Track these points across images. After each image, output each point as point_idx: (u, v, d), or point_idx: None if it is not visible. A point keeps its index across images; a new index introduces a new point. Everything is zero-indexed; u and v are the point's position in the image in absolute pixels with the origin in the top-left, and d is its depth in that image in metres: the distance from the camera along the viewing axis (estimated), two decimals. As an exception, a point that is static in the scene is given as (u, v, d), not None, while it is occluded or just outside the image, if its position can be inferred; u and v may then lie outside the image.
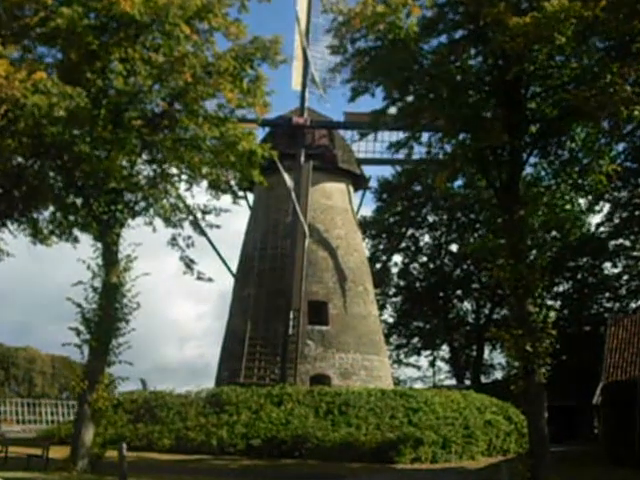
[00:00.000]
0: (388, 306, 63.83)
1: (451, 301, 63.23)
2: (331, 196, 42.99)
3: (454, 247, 61.55)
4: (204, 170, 26.87)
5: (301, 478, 25.59)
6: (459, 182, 56.32)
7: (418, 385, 62.67)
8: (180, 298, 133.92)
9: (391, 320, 63.72)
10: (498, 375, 62.37)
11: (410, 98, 23.92)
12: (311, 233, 40.32)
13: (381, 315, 59.51)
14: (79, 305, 25.06)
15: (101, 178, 24.83)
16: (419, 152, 26.30)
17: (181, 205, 27.92)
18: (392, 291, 63.73)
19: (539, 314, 21.39)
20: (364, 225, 57.49)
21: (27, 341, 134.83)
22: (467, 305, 63.89)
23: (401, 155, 27.80)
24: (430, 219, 60.89)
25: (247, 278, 41.35)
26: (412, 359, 65.71)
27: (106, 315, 25.00)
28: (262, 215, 42.94)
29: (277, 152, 38.73)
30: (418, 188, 58.36)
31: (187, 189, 28.43)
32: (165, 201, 27.14)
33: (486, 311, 61.13)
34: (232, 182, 29.14)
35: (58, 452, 26.29)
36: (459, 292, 62.44)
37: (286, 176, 39.94)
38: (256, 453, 30.77)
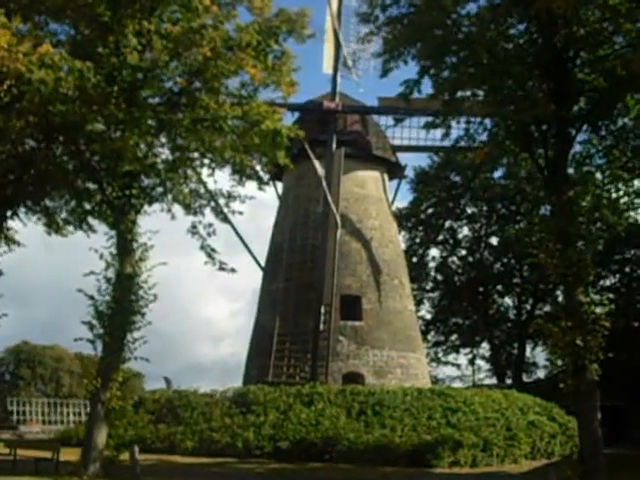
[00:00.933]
0: (425, 302, 62.12)
1: (491, 296, 61.00)
2: (364, 185, 41.35)
3: (494, 240, 59.60)
4: (227, 154, 25.36)
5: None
6: (499, 173, 55.78)
7: (457, 384, 60.74)
8: (213, 296, 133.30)
9: (428, 316, 62.00)
10: (541, 374, 60.27)
11: (446, 73, 22.21)
12: (343, 223, 38.73)
13: (418, 311, 57.90)
14: (92, 297, 23.71)
15: (114, 160, 23.47)
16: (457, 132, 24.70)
17: (202, 190, 26.49)
18: (429, 286, 61.91)
19: (590, 305, 19.58)
20: (400, 217, 55.77)
21: (57, 340, 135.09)
22: (508, 300, 61.70)
23: (438, 137, 26.16)
24: (469, 210, 59.03)
25: (276, 271, 39.84)
26: (451, 357, 63.92)
27: (120, 308, 23.64)
28: (291, 205, 41.44)
29: (307, 138, 38.14)
30: (457, 179, 56.63)
31: (209, 175, 27.09)
32: (185, 186, 25.74)
33: (528, 307, 58.80)
34: (257, 167, 27.59)
35: (72, 454, 24.69)
36: (500, 287, 60.28)
37: (317, 163, 38.37)
38: (284, 456, 29.09)
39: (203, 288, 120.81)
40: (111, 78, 22.78)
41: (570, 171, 21.01)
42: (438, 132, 38.19)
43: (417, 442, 28.48)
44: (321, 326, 36.27)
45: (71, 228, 28.11)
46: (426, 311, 62.06)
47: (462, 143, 22.98)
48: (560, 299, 21.93)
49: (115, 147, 22.63)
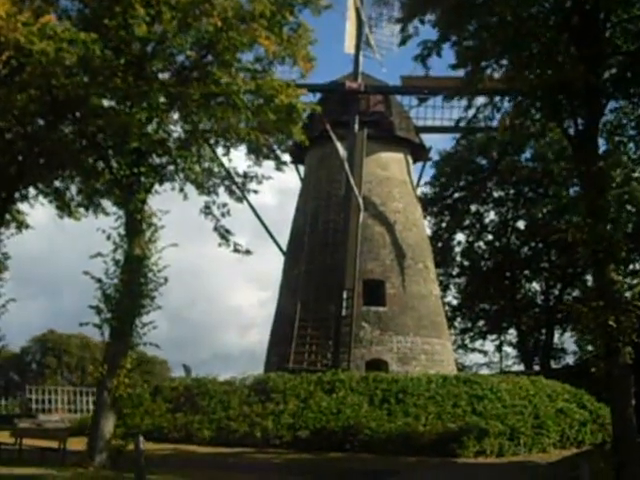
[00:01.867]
0: (451, 287, 60.53)
1: (519, 281, 59.05)
2: (388, 167, 39.89)
3: (521, 224, 57.81)
4: (241, 131, 24.09)
5: (349, 474, 22.56)
6: (526, 155, 54.19)
7: (484, 371, 59.17)
8: (243, 284, 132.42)
9: (455, 302, 60.39)
10: (569, 360, 58.56)
11: (469, 43, 20.64)
12: (366, 206, 37.32)
13: (444, 297, 56.46)
14: (99, 280, 22.46)
15: (121, 137, 22.24)
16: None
17: (215, 169, 25.19)
18: (455, 271, 60.33)
19: (623, 284, 18.07)
20: (425, 201, 54.31)
21: (85, 329, 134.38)
22: (536, 285, 59.85)
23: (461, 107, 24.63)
24: (495, 194, 57.27)
25: (297, 256, 38.52)
26: (477, 344, 62.29)
27: (128, 291, 22.38)
28: (313, 188, 40.08)
29: (329, 120, 37.04)
30: (483, 162, 55.02)
31: (224, 154, 25.87)
32: (197, 165, 24.45)
33: (556, 292, 57.01)
34: (274, 146, 26.31)
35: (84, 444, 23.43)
36: (527, 272, 58.37)
37: (339, 145, 37.03)
38: (303, 445, 27.84)
39: (232, 277, 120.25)
40: (118, 51, 21.65)
41: (601, 142, 19.44)
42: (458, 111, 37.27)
43: (442, 431, 27.09)
44: (343, 311, 34.98)
45: (83, 210, 27.03)
46: (452, 297, 60.56)
47: (486, 112, 21.39)
48: (590, 281, 20.09)
49: (121, 122, 21.43)
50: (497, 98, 20.75)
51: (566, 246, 51.17)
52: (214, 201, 24.97)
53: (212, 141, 25.18)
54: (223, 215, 24.94)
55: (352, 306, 34.94)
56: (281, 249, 40.45)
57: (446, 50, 21.07)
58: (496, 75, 20.55)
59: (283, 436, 28.56)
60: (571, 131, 19.10)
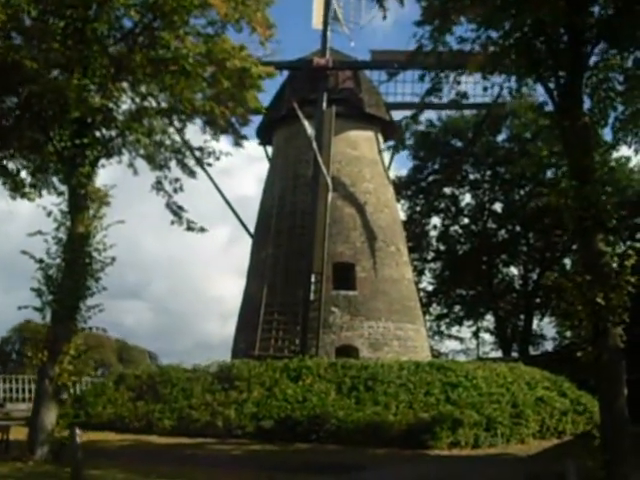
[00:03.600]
0: (427, 272, 58.78)
1: (496, 266, 57.41)
2: (358, 146, 37.88)
3: (498, 206, 56.07)
4: (196, 102, 22.17)
5: (312, 468, 20.51)
6: (502, 136, 52.37)
7: (461, 358, 57.48)
8: (224, 274, 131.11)
9: (430, 288, 58.62)
10: (549, 347, 57.01)
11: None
12: (335, 187, 35.39)
13: (419, 282, 54.90)
14: (40, 260, 20.49)
15: (61, 106, 20.20)
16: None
17: (167, 142, 23.19)
18: (431, 256, 58.55)
19: (613, 255, 15.99)
20: (399, 185, 52.50)
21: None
22: (513, 270, 58.37)
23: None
24: (471, 177, 55.45)
25: (264, 239, 36.58)
26: (454, 330, 60.65)
27: (71, 271, 20.39)
28: (281, 168, 38.12)
29: (297, 98, 35.19)
30: (459, 144, 53.14)
31: (180, 129, 23.99)
32: (147, 138, 22.45)
33: (534, 276, 55.42)
34: (232, 119, 24.42)
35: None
36: (504, 256, 56.76)
37: (306, 123, 35.12)
38: (267, 436, 25.81)
39: (214, 267, 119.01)
40: (57, 13, 19.62)
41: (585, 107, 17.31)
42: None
43: (413, 421, 25.08)
44: (311, 296, 33.12)
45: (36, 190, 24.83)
46: (428, 282, 58.84)
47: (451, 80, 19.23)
48: (569, 265, 17.73)
49: (57, 88, 19.40)
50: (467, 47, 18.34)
51: (544, 229, 49.87)
52: (166, 176, 23.05)
53: (165, 113, 23.21)
54: (175, 191, 23.17)
55: (321, 290, 33.10)
56: (249, 232, 38.57)
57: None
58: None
59: (246, 426, 26.55)
60: (551, 83, 16.87)
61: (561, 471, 13.20)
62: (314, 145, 34.54)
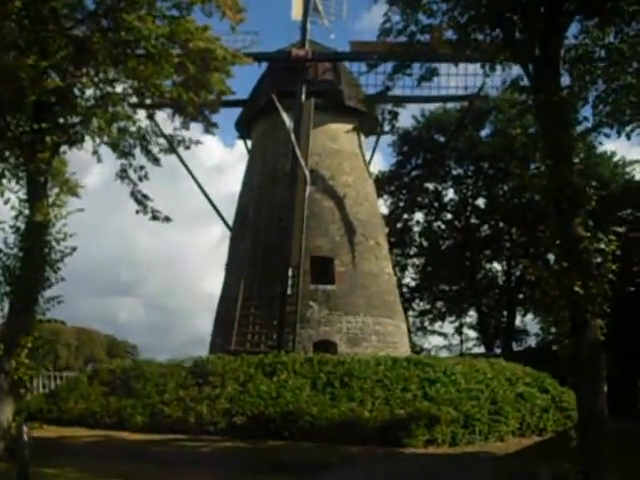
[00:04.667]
0: (409, 268, 57.49)
1: (479, 262, 56.04)
2: (337, 139, 36.66)
3: (481, 202, 54.85)
4: (162, 88, 20.97)
5: (279, 467, 19.30)
6: (486, 131, 51.12)
7: (445, 354, 56.37)
8: (216, 271, 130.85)
9: (413, 284, 57.43)
10: (532, 343, 55.82)
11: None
12: (314, 180, 34.24)
13: (402, 278, 53.81)
14: (-3, 250, 19.30)
15: (18, 89, 18.95)
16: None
17: (132, 128, 21.92)
18: (414, 252, 57.30)
19: (592, 241, 14.59)
20: (382, 180, 51.31)
21: (60, 315, 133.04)
22: (497, 266, 57.00)
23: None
24: (455, 172, 54.24)
25: (242, 233, 35.42)
26: (437, 326, 59.43)
27: (29, 262, 19.17)
28: (259, 161, 36.95)
29: (275, 90, 34.03)
30: (442, 139, 51.89)
31: (149, 116, 22.78)
32: (111, 126, 21.20)
33: (518, 272, 54.23)
34: (201, 106, 23.18)
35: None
36: (487, 252, 55.55)
37: (285, 116, 33.89)
38: (239, 433, 24.60)
39: (208, 264, 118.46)
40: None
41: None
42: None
43: (388, 418, 23.95)
44: (288, 290, 31.87)
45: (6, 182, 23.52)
46: (410, 278, 57.61)
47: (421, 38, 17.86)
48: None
49: (11, 69, 18.15)
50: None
51: (528, 224, 48.64)
52: (130, 164, 21.81)
53: (132, 99, 21.99)
54: (140, 179, 21.86)
55: (298, 284, 31.82)
56: (227, 224, 37.27)
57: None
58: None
59: (218, 422, 25.38)
60: (525, 55, 15.42)
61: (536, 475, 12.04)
62: (292, 137, 33.37)
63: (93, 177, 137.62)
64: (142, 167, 21.85)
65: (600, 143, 16.10)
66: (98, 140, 21.37)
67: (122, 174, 21.85)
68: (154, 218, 22.09)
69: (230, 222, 37.99)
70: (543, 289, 14.58)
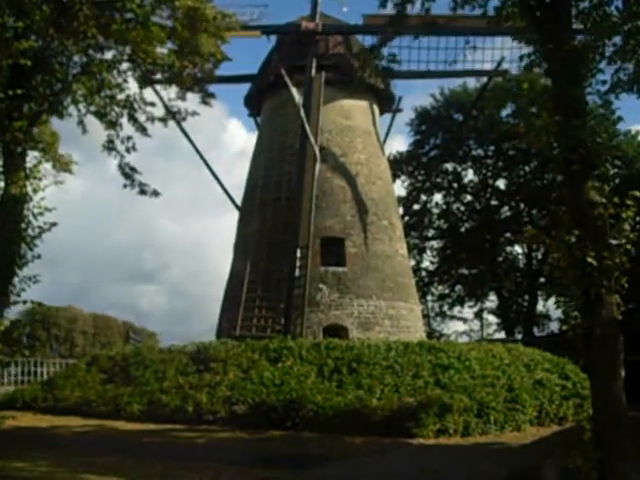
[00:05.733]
0: (428, 251, 55.63)
1: (499, 244, 54.29)
2: (350, 115, 34.83)
3: (501, 183, 52.84)
4: (154, 54, 19.32)
5: (274, 460, 17.56)
6: (506, 111, 49.05)
7: (465, 340, 54.44)
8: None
9: (431, 267, 55.49)
10: (554, 328, 53.80)
11: None
12: (325, 158, 32.46)
13: (421, 262, 52.04)
14: (-31, 225, 17.65)
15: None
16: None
17: (119, 96, 20.22)
18: (432, 234, 55.38)
19: (608, 206, 12.54)
20: (400, 161, 49.46)
21: (84, 303, 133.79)
22: (517, 249, 55.21)
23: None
24: (474, 153, 52.19)
25: (250, 212, 33.66)
26: (456, 311, 57.59)
27: (3, 237, 17.53)
28: (268, 138, 35.15)
29: (285, 64, 32.30)
30: (461, 119, 49.91)
31: (142, 86, 21.12)
32: (97, 95, 19.57)
33: (539, 255, 52.30)
34: (198, 74, 21.58)
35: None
36: (508, 234, 53.60)
37: (294, 91, 32.20)
38: (239, 422, 22.87)
39: (229, 251, 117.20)
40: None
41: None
42: (432, 53, 32.39)
43: (397, 406, 22.12)
44: (297, 272, 30.12)
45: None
46: (429, 262, 55.72)
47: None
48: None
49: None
50: None
51: (549, 206, 46.65)
52: (118, 134, 20.13)
53: (123, 67, 20.36)
54: (128, 151, 20.19)
55: (306, 266, 30.04)
56: (235, 204, 35.52)
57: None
58: None
59: (218, 411, 23.64)
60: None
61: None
62: (302, 113, 31.62)
63: (116, 161, 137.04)
64: (129, 138, 20.17)
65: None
66: (84, 109, 19.74)
67: (109, 145, 20.18)
68: (142, 192, 20.45)
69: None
70: (554, 262, 12.57)
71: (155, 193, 20.55)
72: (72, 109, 19.83)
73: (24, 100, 18.08)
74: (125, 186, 20.37)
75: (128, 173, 20.20)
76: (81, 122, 20.04)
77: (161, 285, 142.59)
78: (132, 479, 14.21)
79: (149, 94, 21.87)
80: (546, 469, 10.41)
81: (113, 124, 20.08)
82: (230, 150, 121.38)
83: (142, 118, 20.44)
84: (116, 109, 19.96)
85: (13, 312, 18.38)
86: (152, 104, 20.52)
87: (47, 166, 19.71)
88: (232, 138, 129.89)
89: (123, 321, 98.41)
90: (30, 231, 17.91)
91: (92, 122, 20.58)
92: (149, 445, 19.83)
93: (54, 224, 18.21)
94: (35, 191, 18.21)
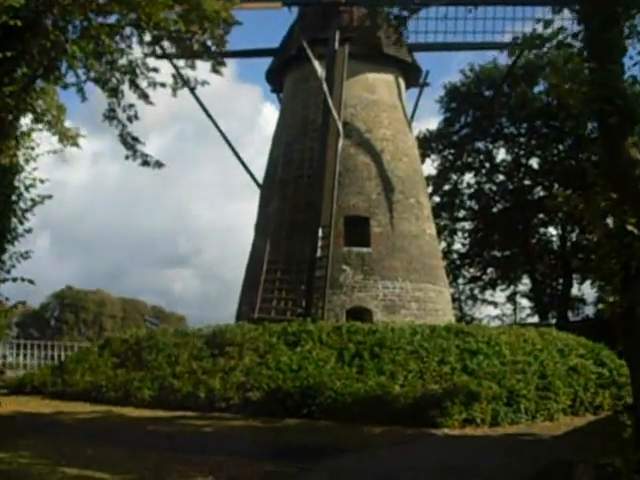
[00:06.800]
0: (459, 233, 53.89)
1: (532, 226, 52.33)
2: (375, 89, 33.14)
3: (535, 162, 50.85)
4: (159, 19, 17.88)
5: (283, 451, 16.03)
6: (539, 87, 47.20)
7: (497, 324, 52.63)
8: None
9: (462, 249, 53.75)
10: (589, 312, 51.91)
11: None
12: (349, 133, 30.96)
13: (451, 244, 50.44)
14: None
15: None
16: None
17: (121, 61, 18.83)
18: (463, 215, 53.63)
19: None
20: (430, 139, 47.76)
21: (120, 288, 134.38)
22: (551, 230, 53.10)
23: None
24: (506, 131, 50.29)
25: (271, 191, 32.18)
26: (488, 294, 55.84)
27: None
28: (289, 113, 33.64)
29: (307, 37, 31.01)
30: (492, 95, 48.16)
31: (149, 54, 19.75)
32: (97, 61, 18.20)
33: (574, 237, 50.40)
34: (207, 41, 20.19)
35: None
36: (541, 215, 51.66)
37: (316, 64, 30.62)
38: (253, 410, 21.46)
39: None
40: None
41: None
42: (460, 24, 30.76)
43: (421, 394, 20.56)
44: (318, 252, 28.63)
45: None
46: (460, 244, 53.97)
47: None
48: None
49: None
50: None
51: (585, 186, 44.71)
52: (119, 103, 18.75)
53: (127, 31, 18.99)
54: (130, 119, 18.79)
55: (328, 246, 28.56)
56: (256, 181, 34.04)
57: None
58: None
59: (231, 398, 22.25)
60: None
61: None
62: (324, 87, 30.09)
63: (152, 147, 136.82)
64: (131, 105, 18.81)
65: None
66: (83, 76, 18.39)
67: (110, 114, 18.82)
68: (145, 163, 19.09)
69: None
70: (587, 228, 10.88)
71: (158, 164, 19.20)
72: (71, 76, 18.46)
73: (15, 64, 16.74)
74: (127, 157, 19.02)
75: (130, 143, 18.83)
76: (81, 89, 18.66)
77: (194, 269, 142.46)
78: (117, 474, 12.76)
79: (152, 60, 20.45)
80: (579, 468, 8.80)
81: (114, 91, 18.70)
82: (264, 134, 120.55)
83: (144, 84, 18.97)
84: (117, 75, 18.55)
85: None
86: (155, 69, 19.07)
87: (53, 139, 18.48)
88: (267, 122, 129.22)
89: (152, 305, 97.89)
90: (22, 204, 16.64)
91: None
92: (152, 434, 18.50)
93: (49, 196, 16.97)
94: (27, 161, 16.95)
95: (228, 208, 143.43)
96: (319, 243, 28.70)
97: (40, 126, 18.14)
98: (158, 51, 21.81)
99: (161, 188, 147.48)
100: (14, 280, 16.50)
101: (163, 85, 19.32)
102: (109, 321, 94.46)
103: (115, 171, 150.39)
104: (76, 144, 18.85)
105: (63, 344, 44.96)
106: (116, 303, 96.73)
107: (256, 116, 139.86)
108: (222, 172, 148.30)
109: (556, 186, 48.67)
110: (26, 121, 17.32)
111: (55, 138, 18.38)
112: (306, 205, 29.69)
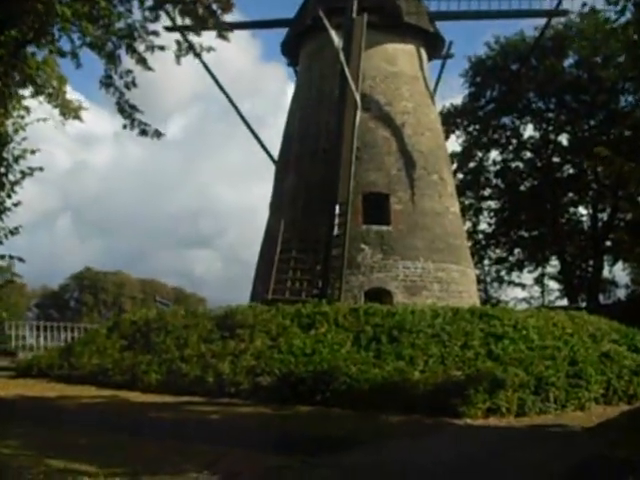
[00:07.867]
0: (485, 212, 52.67)
1: (561, 205, 51.08)
2: (395, 60, 32.04)
3: (564, 138, 49.50)
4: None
5: (290, 443, 14.92)
6: (569, 61, 45.88)
7: (524, 307, 51.49)
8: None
9: (489, 229, 52.64)
10: (621, 295, 50.64)
11: None
12: (368, 106, 29.94)
13: (477, 223, 49.35)
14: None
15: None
16: None
17: (118, 25, 17.75)
18: (489, 193, 52.40)
19: None
20: (455, 115, 46.54)
21: (142, 269, 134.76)
22: (581, 210, 52.03)
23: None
24: (534, 106, 48.95)
25: (286, 166, 31.20)
26: (514, 276, 54.72)
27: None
28: (305, 86, 32.73)
29: (323, 7, 30.06)
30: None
31: (150, 19, 18.69)
32: (91, 24, 17.14)
33: (605, 217, 49.09)
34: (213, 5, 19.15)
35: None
36: (571, 194, 50.36)
37: (333, 34, 29.60)
38: (264, 395, 20.39)
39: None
40: None
41: None
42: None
43: (442, 380, 19.43)
44: (335, 230, 27.61)
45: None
46: (486, 223, 52.82)
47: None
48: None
49: None
50: None
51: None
52: (116, 69, 17.73)
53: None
54: (127, 87, 17.72)
55: (346, 223, 27.49)
56: (271, 157, 32.98)
57: None
58: None
59: (241, 383, 21.19)
60: None
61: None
62: (341, 57, 28.92)
63: (174, 127, 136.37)
64: (129, 71, 17.74)
65: None
66: (78, 41, 17.33)
67: (107, 81, 17.78)
68: (143, 133, 18.04)
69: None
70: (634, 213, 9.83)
71: (157, 134, 18.17)
72: (65, 41, 17.42)
73: (2, 26, 15.73)
74: (125, 126, 17.99)
75: (127, 111, 17.79)
76: (75, 55, 17.62)
77: (217, 251, 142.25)
78: (106, 467, 11.76)
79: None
80: (622, 467, 7.70)
81: (112, 57, 17.67)
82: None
83: (141, 48, 17.90)
84: (113, 39, 17.50)
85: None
86: (154, 33, 18.01)
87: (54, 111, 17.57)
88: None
89: (173, 287, 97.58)
90: (11, 176, 15.66)
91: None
92: (154, 422, 17.47)
93: (40, 168, 16.03)
94: (17, 131, 15.97)
95: (251, 189, 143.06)
96: (336, 221, 27.74)
97: (41, 98, 17.24)
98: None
99: (183, 169, 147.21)
100: (1, 257, 15.58)
101: (162, 48, 18.25)
102: (128, 302, 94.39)
103: (137, 152, 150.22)
104: (78, 117, 17.92)
105: (83, 326, 44.43)
106: (136, 284, 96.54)
107: (281, 96, 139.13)
108: (245, 152, 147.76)
109: (586, 164, 47.55)
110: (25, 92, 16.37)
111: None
112: (322, 181, 28.64)
